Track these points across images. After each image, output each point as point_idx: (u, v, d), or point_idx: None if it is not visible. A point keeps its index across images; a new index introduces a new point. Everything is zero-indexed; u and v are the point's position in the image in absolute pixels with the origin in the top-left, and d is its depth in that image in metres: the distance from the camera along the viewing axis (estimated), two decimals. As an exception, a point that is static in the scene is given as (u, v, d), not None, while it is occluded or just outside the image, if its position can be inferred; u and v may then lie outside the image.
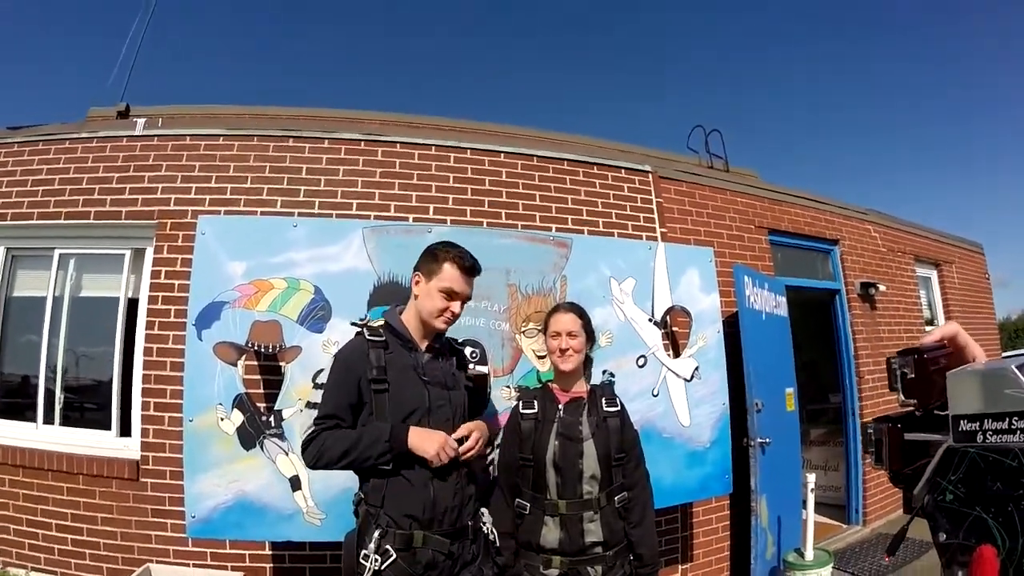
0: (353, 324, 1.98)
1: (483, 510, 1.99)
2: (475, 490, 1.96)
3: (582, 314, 2.16)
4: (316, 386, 1.82)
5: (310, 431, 1.82)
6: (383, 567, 1.71)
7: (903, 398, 1.00)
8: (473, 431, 1.89)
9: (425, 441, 1.77)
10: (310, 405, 1.83)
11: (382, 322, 1.95)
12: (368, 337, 1.87)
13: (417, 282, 1.93)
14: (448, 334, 2.07)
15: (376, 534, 1.73)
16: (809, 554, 3.55)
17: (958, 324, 1.02)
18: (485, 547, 1.94)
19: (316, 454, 1.77)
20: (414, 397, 1.84)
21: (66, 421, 3.52)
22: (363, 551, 1.73)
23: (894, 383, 1.00)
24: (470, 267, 1.94)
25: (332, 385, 1.86)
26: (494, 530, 1.98)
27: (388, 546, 1.73)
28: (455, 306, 1.92)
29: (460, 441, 1.85)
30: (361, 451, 1.75)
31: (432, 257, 1.93)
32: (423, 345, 1.94)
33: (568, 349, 2.09)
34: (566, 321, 2.13)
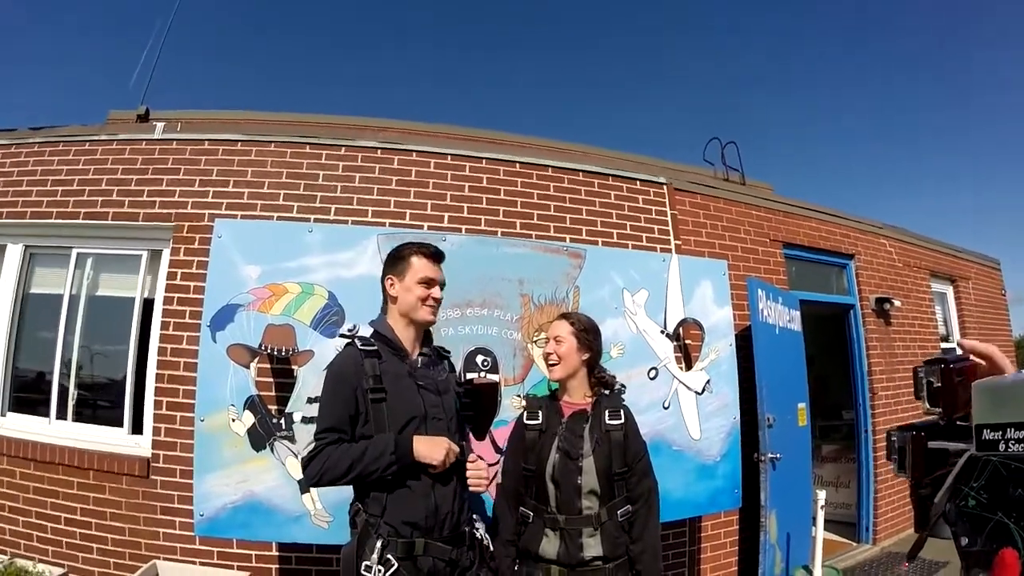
0: (342, 336, 1.97)
1: (475, 516, 1.99)
2: (469, 495, 1.97)
3: (575, 321, 2.12)
4: (310, 400, 1.80)
5: (311, 447, 1.79)
6: None
7: (928, 406, 1.02)
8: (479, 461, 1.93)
9: (432, 449, 1.78)
10: (305, 420, 1.81)
11: (371, 331, 1.95)
12: (360, 347, 1.86)
13: (392, 284, 1.95)
14: (461, 342, 2.08)
15: (378, 544, 1.72)
16: (818, 571, 3.53)
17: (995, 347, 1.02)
18: (480, 553, 1.94)
19: (320, 471, 1.74)
20: (411, 405, 1.84)
21: (79, 417, 3.55)
22: (364, 562, 1.71)
23: (920, 391, 1.03)
24: (435, 252, 2.00)
25: (329, 398, 1.83)
26: (487, 536, 1.98)
27: (390, 555, 1.72)
28: (436, 291, 1.96)
29: (462, 448, 1.88)
30: (367, 465, 1.72)
31: (397, 258, 1.97)
32: (414, 352, 1.95)
33: (552, 354, 2.07)
34: (553, 326, 2.13)
